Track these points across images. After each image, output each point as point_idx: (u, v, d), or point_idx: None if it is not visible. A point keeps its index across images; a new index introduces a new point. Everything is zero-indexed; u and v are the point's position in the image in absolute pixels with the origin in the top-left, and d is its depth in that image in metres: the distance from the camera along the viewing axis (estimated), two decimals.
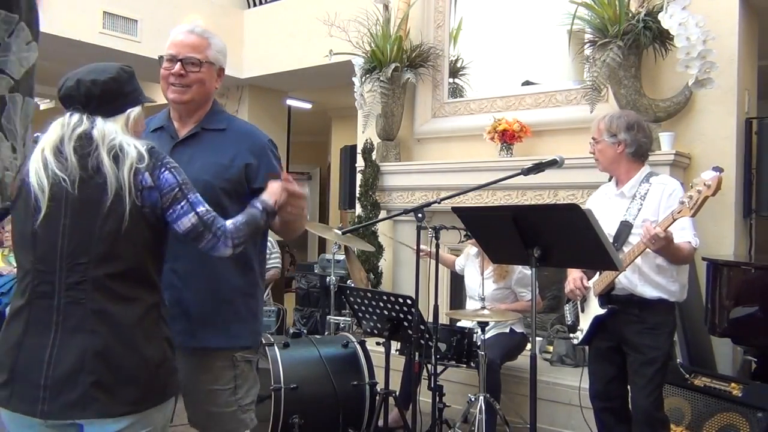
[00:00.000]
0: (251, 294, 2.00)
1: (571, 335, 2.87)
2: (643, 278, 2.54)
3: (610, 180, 2.80)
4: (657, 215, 2.52)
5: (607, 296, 2.61)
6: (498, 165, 4.08)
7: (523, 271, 3.60)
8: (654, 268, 2.53)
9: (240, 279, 1.96)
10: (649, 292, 2.54)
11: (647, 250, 2.42)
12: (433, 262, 3.15)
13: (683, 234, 2.46)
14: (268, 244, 5.67)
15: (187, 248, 1.74)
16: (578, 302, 2.80)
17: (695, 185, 2.33)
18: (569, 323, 2.87)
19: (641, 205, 2.57)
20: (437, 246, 3.12)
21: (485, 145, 4.35)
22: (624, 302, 2.58)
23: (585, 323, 2.73)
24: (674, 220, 2.37)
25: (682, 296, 2.63)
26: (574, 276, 2.74)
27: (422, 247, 3.01)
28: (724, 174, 2.34)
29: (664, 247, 2.39)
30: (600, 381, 2.72)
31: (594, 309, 2.67)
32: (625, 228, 2.57)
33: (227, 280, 1.92)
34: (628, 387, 2.64)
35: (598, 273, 2.67)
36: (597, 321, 2.64)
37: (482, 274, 3.51)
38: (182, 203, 1.56)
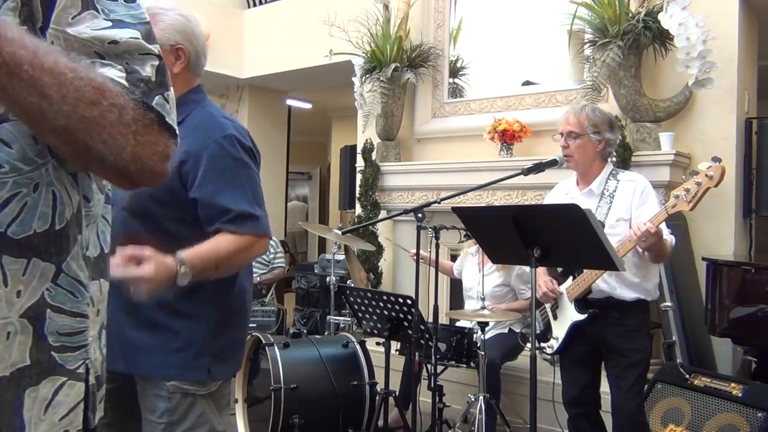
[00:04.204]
0: (190, 315, 1.64)
1: (542, 344, 2.72)
2: (621, 280, 2.49)
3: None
4: (629, 213, 2.48)
5: (583, 301, 2.55)
6: (498, 165, 4.07)
7: (522, 267, 3.60)
8: (631, 268, 2.48)
9: (169, 297, 1.55)
10: (627, 294, 2.50)
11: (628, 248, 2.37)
12: (433, 262, 3.15)
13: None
14: (273, 244, 5.77)
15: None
16: (548, 309, 2.72)
17: (692, 177, 2.26)
18: (537, 332, 2.71)
19: (611, 203, 2.51)
20: (437, 246, 3.11)
21: (485, 145, 4.35)
22: (602, 306, 2.52)
23: (559, 331, 2.65)
24: (668, 215, 2.32)
25: (656, 294, 2.62)
26: (544, 279, 2.65)
27: (422, 253, 2.99)
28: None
29: (654, 243, 2.35)
30: (576, 386, 2.66)
31: (569, 315, 2.59)
32: None
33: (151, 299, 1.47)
34: (610, 391, 2.56)
35: (571, 278, 2.60)
36: (574, 327, 2.57)
37: (481, 271, 3.51)
38: None
